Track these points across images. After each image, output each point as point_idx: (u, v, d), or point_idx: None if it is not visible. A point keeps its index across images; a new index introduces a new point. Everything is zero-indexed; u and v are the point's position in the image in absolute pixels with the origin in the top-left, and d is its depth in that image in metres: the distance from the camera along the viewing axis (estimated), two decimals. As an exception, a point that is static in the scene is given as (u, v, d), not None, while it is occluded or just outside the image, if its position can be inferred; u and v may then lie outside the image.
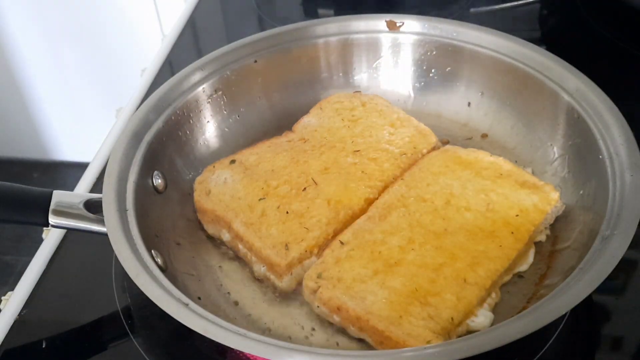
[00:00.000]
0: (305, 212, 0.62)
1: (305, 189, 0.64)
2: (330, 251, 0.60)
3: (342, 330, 0.57)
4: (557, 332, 0.57)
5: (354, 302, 0.55)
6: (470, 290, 0.55)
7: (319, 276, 0.58)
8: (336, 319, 0.56)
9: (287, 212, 0.62)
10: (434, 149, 0.70)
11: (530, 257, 0.61)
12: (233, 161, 0.68)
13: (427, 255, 0.58)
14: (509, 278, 0.59)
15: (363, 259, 0.58)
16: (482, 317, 0.56)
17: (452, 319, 0.54)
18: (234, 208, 0.63)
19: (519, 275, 0.60)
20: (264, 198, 0.63)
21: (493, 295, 0.58)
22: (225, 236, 0.64)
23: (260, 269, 0.61)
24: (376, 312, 0.54)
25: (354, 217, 0.63)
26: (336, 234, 0.61)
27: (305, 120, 0.73)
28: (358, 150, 0.68)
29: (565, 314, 0.56)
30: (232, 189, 0.65)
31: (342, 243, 0.60)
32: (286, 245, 0.60)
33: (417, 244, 0.59)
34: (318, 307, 0.57)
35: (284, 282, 0.59)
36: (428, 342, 0.52)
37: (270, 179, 0.65)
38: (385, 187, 0.66)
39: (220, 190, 0.65)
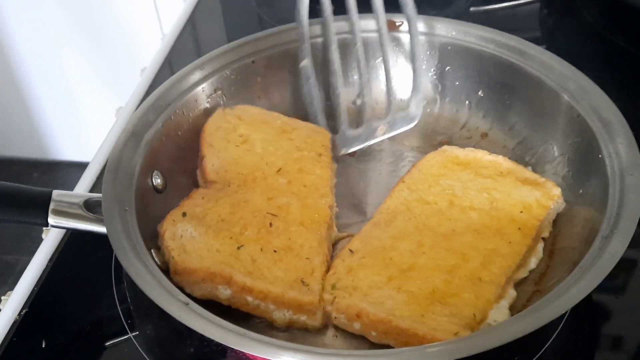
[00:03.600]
0: (291, 243, 0.60)
1: (271, 224, 0.61)
2: (341, 261, 0.60)
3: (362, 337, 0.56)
4: (557, 331, 0.57)
5: (373, 307, 0.55)
6: (487, 288, 0.56)
7: (334, 287, 0.57)
8: (356, 326, 0.56)
9: (275, 251, 0.59)
10: (333, 142, 0.71)
11: (540, 252, 0.61)
12: (184, 214, 0.62)
13: (438, 258, 0.58)
14: (525, 275, 0.59)
15: (375, 266, 0.58)
16: (500, 315, 0.55)
17: (474, 315, 0.54)
18: (223, 261, 0.58)
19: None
20: (242, 245, 0.60)
21: (510, 292, 0.57)
22: (224, 293, 0.57)
23: (283, 315, 0.57)
24: (398, 314, 0.54)
25: (331, 229, 0.63)
26: (330, 251, 0.61)
27: (209, 166, 0.67)
28: (279, 170, 0.67)
29: (565, 313, 0.57)
30: (205, 243, 0.59)
31: (351, 252, 0.60)
32: (302, 281, 0.57)
33: (427, 247, 0.59)
34: (336, 317, 0.56)
35: (317, 319, 0.57)
36: (456, 334, 0.51)
37: (229, 227, 0.61)
38: (332, 191, 0.66)
39: (196, 246, 0.59)
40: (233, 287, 0.57)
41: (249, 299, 0.57)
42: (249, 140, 0.69)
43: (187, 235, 0.60)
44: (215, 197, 0.64)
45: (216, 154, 0.68)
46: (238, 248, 0.59)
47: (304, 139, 0.70)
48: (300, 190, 0.65)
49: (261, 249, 0.59)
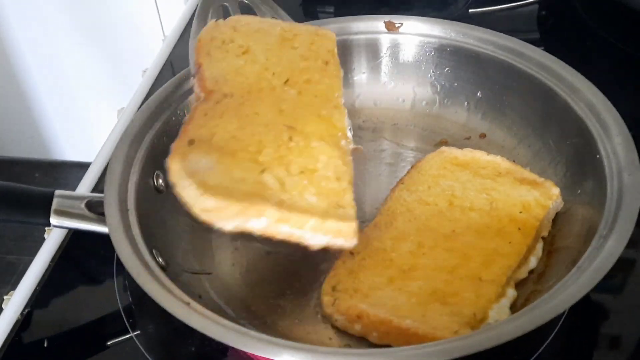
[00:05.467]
0: (315, 162, 0.54)
1: (291, 138, 0.55)
2: (342, 263, 0.60)
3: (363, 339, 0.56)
4: (555, 331, 0.57)
5: (374, 309, 0.55)
6: (488, 288, 0.56)
7: (334, 289, 0.57)
8: (357, 328, 0.56)
9: (302, 172, 0.54)
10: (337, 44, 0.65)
11: (539, 251, 0.61)
12: (191, 141, 0.55)
13: (439, 258, 0.58)
14: (525, 275, 0.60)
15: (376, 267, 0.58)
16: (501, 315, 0.56)
17: (474, 314, 0.54)
18: (251, 191, 0.52)
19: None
20: (265, 169, 0.53)
21: (510, 292, 0.57)
22: (257, 226, 0.52)
23: (320, 240, 0.52)
24: (398, 314, 0.54)
25: (349, 143, 0.58)
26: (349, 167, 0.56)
27: (207, 73, 0.60)
28: (287, 80, 0.60)
29: (563, 312, 0.57)
30: (225, 173, 0.53)
31: (352, 253, 0.60)
32: (337, 204, 0.52)
33: (428, 247, 0.59)
34: (337, 320, 0.57)
35: (355, 241, 0.52)
36: (456, 332, 0.52)
37: (243, 146, 0.55)
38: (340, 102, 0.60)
39: (218, 181, 0.52)
40: (267, 219, 0.51)
41: (284, 228, 0.52)
42: (250, 51, 0.63)
43: (202, 166, 0.53)
44: (218, 111, 0.57)
45: (214, 63, 0.61)
46: (261, 172, 0.53)
47: (308, 45, 0.64)
48: (312, 102, 0.59)
49: (286, 171, 0.54)
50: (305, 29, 0.66)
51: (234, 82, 0.60)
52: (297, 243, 0.53)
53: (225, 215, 0.52)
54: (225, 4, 0.70)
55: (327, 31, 0.67)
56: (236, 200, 0.51)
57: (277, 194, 0.52)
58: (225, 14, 0.68)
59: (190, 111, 0.58)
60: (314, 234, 0.52)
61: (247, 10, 0.71)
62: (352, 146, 0.59)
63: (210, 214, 0.52)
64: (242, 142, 0.55)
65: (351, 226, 0.52)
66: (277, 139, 0.55)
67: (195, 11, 0.67)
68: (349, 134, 0.59)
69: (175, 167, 0.53)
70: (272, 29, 0.65)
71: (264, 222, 0.52)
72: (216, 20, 0.66)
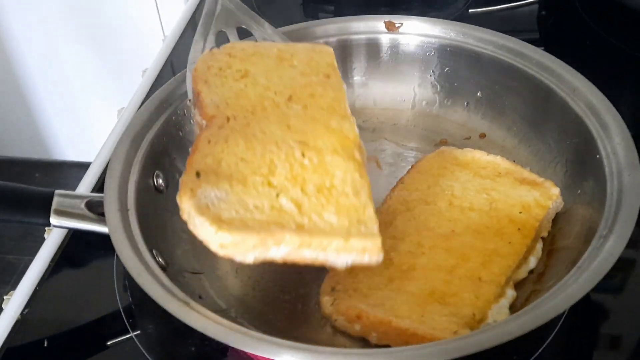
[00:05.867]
0: (331, 178, 0.53)
1: (303, 154, 0.54)
2: None
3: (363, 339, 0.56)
4: (555, 331, 0.58)
5: (373, 309, 0.55)
6: (487, 288, 0.56)
7: (333, 289, 0.57)
8: (357, 328, 0.56)
9: (319, 191, 0.52)
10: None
11: (539, 252, 0.61)
12: (198, 174, 0.52)
13: (438, 258, 0.58)
14: (524, 275, 0.60)
15: (375, 267, 0.57)
16: (500, 315, 0.56)
17: (473, 314, 0.54)
18: (268, 219, 0.50)
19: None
20: (278, 192, 0.51)
21: (509, 292, 0.58)
22: (279, 254, 0.50)
23: (345, 262, 0.50)
24: (398, 314, 0.54)
25: (363, 154, 0.57)
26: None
27: (207, 100, 0.59)
28: (290, 97, 0.59)
29: (563, 312, 0.57)
30: (238, 204, 0.51)
31: None
32: (358, 221, 0.51)
33: (427, 247, 0.59)
34: (336, 320, 0.57)
35: (381, 257, 0.51)
36: (455, 332, 0.52)
37: (254, 168, 0.53)
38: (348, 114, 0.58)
39: (232, 214, 0.50)
40: (288, 246, 0.50)
41: (307, 253, 0.50)
42: (249, 74, 0.61)
43: (212, 200, 0.50)
44: (223, 135, 0.55)
45: (213, 89, 0.59)
46: (277, 196, 0.51)
47: (307, 62, 0.63)
48: (320, 114, 0.57)
49: (302, 191, 0.52)
50: (302, 47, 0.65)
51: (235, 105, 0.58)
52: (322, 265, 0.51)
53: (244, 249, 0.50)
54: (223, 30, 0.70)
55: (324, 46, 0.66)
56: (253, 232, 0.49)
57: (295, 218, 0.51)
58: (224, 41, 0.67)
59: (194, 142, 0.56)
60: (338, 255, 0.51)
61: (246, 34, 0.71)
62: (366, 156, 0.58)
63: (228, 249, 0.50)
64: (252, 165, 0.53)
65: (376, 243, 0.50)
66: (289, 157, 0.54)
67: (195, 11, 0.68)
68: (362, 144, 0.58)
69: (185, 205, 0.51)
70: (269, 51, 0.64)
71: (284, 249, 0.50)
72: (211, 50, 0.65)
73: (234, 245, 0.49)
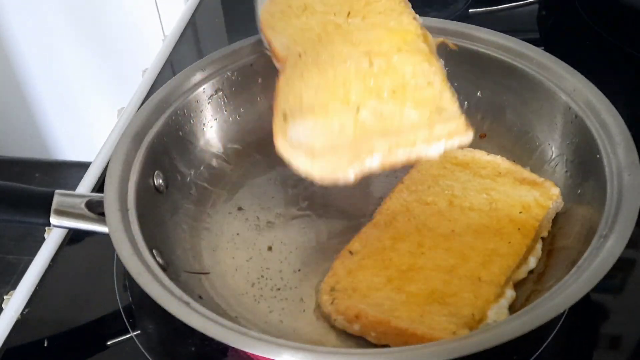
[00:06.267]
0: (402, 75, 0.54)
1: (371, 62, 0.55)
2: (341, 262, 0.60)
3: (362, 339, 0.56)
4: (555, 331, 0.58)
5: (372, 309, 0.55)
6: (487, 288, 0.56)
7: (333, 289, 0.58)
8: (356, 327, 0.56)
9: (394, 92, 0.54)
10: None
11: (539, 252, 0.61)
12: (284, 116, 0.55)
13: (438, 258, 0.58)
14: (524, 275, 0.60)
15: (375, 267, 0.58)
16: (500, 315, 0.56)
17: (472, 314, 0.54)
18: (354, 135, 0.53)
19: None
20: (358, 106, 0.53)
21: (509, 292, 0.58)
22: (374, 161, 0.53)
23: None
24: (397, 314, 0.54)
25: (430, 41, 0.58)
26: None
27: (277, 45, 0.62)
28: (349, 13, 0.61)
29: (563, 312, 0.57)
30: (325, 130, 0.53)
31: (351, 253, 0.60)
32: (438, 108, 0.53)
33: (427, 247, 0.59)
34: (335, 319, 0.57)
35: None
36: (454, 332, 0.52)
37: (332, 94, 0.55)
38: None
39: (323, 142, 0.53)
40: (379, 152, 0.53)
41: (399, 153, 0.53)
42: (308, 7, 0.64)
43: (303, 135, 0.53)
44: (297, 73, 0.57)
45: (280, 33, 0.63)
46: (357, 110, 0.53)
47: None
48: (378, 19, 0.59)
49: (379, 98, 0.53)
50: None
51: (302, 40, 0.60)
52: (415, 161, 0.54)
53: (341, 169, 0.53)
54: None
55: None
56: (345, 150, 0.52)
57: (378, 124, 0.53)
58: None
59: (276, 88, 0.58)
60: (429, 146, 0.53)
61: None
62: (437, 41, 0.60)
63: (329, 174, 0.53)
64: (329, 89, 0.55)
65: (460, 123, 0.52)
66: (359, 70, 0.55)
67: (195, 11, 0.68)
68: (426, 31, 0.58)
69: (281, 146, 0.55)
70: None
71: (377, 156, 0.53)
72: None
73: (332, 169, 0.53)
